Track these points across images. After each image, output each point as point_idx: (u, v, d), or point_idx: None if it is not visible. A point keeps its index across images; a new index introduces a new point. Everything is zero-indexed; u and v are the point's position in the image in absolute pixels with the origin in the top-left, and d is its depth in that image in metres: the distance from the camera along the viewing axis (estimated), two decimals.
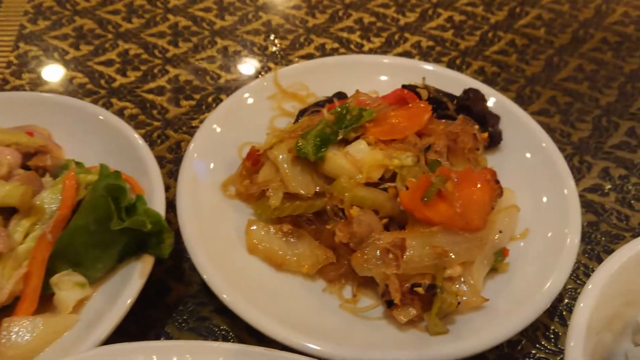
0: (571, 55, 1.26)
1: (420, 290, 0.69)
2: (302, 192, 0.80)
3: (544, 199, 0.86)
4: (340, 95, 0.98)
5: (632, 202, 0.96)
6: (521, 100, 1.14)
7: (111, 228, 0.69)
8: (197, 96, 1.14)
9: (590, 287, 0.56)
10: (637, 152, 1.05)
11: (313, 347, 0.66)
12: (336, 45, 1.28)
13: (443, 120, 0.89)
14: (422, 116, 0.87)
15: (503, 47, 1.29)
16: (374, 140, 0.83)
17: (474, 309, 0.73)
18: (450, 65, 1.24)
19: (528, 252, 0.81)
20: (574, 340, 0.52)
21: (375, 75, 1.05)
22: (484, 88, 0.99)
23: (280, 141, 0.85)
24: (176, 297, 0.82)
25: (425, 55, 1.26)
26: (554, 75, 1.21)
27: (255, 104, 0.99)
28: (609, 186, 0.98)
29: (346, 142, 0.84)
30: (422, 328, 0.71)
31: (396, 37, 1.31)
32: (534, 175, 0.90)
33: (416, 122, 0.86)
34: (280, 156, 0.82)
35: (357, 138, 0.84)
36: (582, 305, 0.55)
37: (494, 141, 0.93)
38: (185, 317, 0.79)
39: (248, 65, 1.22)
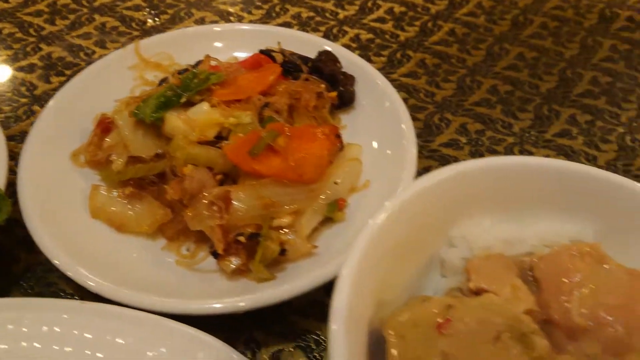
0: (512, 43, 1.25)
1: (242, 239, 0.72)
2: (143, 155, 0.82)
3: (388, 152, 0.90)
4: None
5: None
6: (462, 91, 1.13)
7: None
8: (69, 72, 1.13)
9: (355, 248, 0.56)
10: (577, 139, 1.04)
11: (140, 300, 0.68)
12: None
13: (292, 81, 0.91)
14: (268, 77, 0.89)
15: (443, 37, 1.27)
16: (217, 102, 0.85)
17: (304, 256, 0.76)
18: (391, 59, 1.21)
19: (369, 202, 0.84)
20: (335, 324, 0.50)
21: (239, 43, 1.06)
22: (341, 51, 1.02)
23: (125, 107, 0.86)
24: (25, 266, 0.82)
25: (364, 49, 1.23)
26: (494, 65, 1.19)
27: (115, 75, 1.00)
28: None
29: (193, 105, 0.85)
30: (252, 277, 0.74)
31: (335, 30, 1.28)
32: (383, 132, 0.93)
33: (260, 82, 0.88)
34: (121, 121, 0.83)
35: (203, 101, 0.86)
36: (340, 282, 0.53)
37: (346, 100, 0.96)
38: (31, 284, 0.80)
39: (127, 42, 1.22)
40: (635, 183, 0.64)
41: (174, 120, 0.80)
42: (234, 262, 0.72)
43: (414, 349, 0.53)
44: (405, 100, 0.97)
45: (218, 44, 1.05)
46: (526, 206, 0.67)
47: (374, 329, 0.57)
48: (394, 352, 0.53)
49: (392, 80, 1.00)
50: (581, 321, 0.56)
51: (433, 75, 1.16)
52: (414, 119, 0.93)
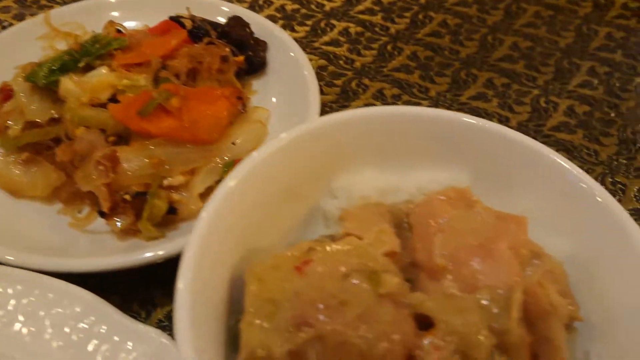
0: (505, 33, 1.20)
1: (127, 197, 0.72)
2: (38, 119, 0.81)
3: (295, 119, 0.89)
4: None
5: None
6: (457, 85, 1.08)
7: None
8: None
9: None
10: (577, 132, 1.01)
11: (23, 260, 0.68)
12: None
13: (195, 45, 0.91)
14: (170, 42, 0.89)
15: (435, 29, 1.21)
16: (117, 66, 0.84)
17: (196, 215, 0.75)
18: (381, 51, 1.15)
19: None
20: (181, 282, 0.50)
21: (151, 11, 1.05)
22: (251, 15, 1.01)
23: (23, 73, 0.85)
24: None
25: (353, 42, 1.17)
26: (489, 56, 1.15)
27: (25, 45, 0.98)
28: None
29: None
30: (142, 236, 0.74)
31: (322, 24, 1.21)
32: (293, 99, 0.93)
33: (162, 47, 0.88)
34: (17, 86, 0.82)
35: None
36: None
37: (256, 66, 0.96)
38: None
39: None
40: (506, 128, 0.65)
41: (67, 83, 0.79)
42: (120, 221, 0.72)
43: (270, 290, 0.53)
44: (398, 96, 0.98)
45: (130, 13, 1.04)
46: (404, 156, 0.68)
47: (239, 278, 0.58)
48: (249, 295, 0.53)
49: (384, 76, 0.98)
50: (441, 262, 0.56)
51: (426, 69, 1.11)
52: None
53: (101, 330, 0.59)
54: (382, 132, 0.67)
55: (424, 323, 0.52)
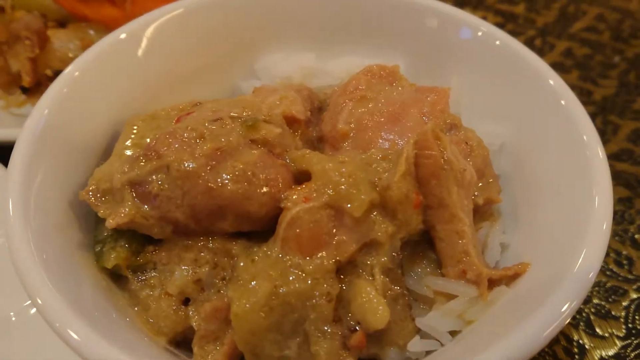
0: (590, 4, 1.04)
1: (49, 72, 0.68)
2: None
3: None
4: None
5: None
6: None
7: None
8: None
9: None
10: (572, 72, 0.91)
11: None
12: None
13: None
14: None
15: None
16: None
17: None
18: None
19: None
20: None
21: None
22: None
23: None
24: None
25: None
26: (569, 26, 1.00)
27: None
28: None
29: None
30: None
31: None
32: None
33: None
34: None
35: None
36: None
37: None
38: None
39: None
40: (441, 3, 0.57)
41: None
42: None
43: (142, 136, 0.47)
44: None
45: None
46: (336, 40, 0.61)
47: None
48: (119, 141, 0.48)
49: None
50: (343, 128, 0.50)
51: None
52: None
53: None
54: (311, 10, 0.61)
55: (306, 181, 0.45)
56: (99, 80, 0.51)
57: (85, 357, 0.33)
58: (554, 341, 0.58)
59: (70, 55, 0.70)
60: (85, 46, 0.71)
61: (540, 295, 0.38)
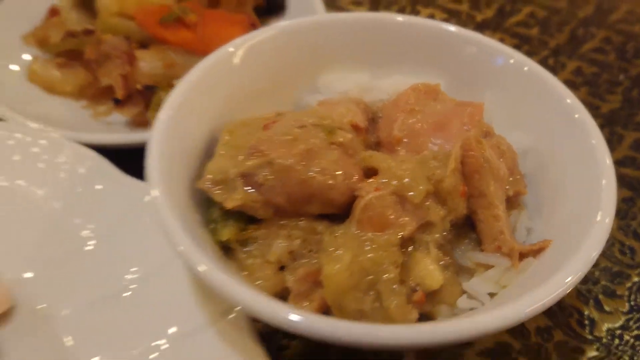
0: (598, 28, 1.17)
1: (139, 86, 0.81)
2: (76, 28, 0.92)
3: None
4: None
5: None
6: None
7: None
8: None
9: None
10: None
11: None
12: None
13: None
14: None
15: (523, 19, 1.19)
16: None
17: None
18: None
19: None
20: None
21: None
22: None
23: None
24: None
25: None
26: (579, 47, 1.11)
27: None
28: None
29: None
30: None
31: (407, 9, 1.24)
32: None
33: None
34: (61, 2, 0.94)
35: None
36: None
37: (272, 6, 1.04)
38: None
39: None
40: (479, 34, 0.70)
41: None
42: (132, 109, 0.81)
43: (238, 139, 0.59)
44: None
45: None
46: (385, 61, 0.74)
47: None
48: (220, 142, 0.60)
49: None
50: (398, 134, 0.62)
51: None
52: None
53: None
54: (362, 37, 0.73)
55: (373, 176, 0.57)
56: (203, 92, 0.63)
57: (228, 297, 0.45)
58: (569, 314, 0.69)
59: (156, 72, 0.83)
60: (166, 65, 0.83)
61: (558, 263, 0.50)
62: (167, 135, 0.58)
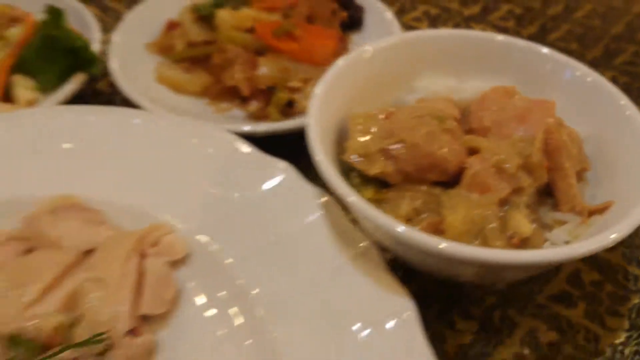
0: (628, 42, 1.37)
1: (262, 86, 0.99)
2: (197, 39, 1.11)
3: None
4: None
5: None
6: None
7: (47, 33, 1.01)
8: None
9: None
10: None
11: None
12: None
13: None
14: None
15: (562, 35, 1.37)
16: (259, 8, 1.14)
17: (306, 109, 1.02)
18: None
19: None
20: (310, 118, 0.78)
21: None
22: None
23: (189, 9, 1.16)
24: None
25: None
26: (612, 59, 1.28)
27: None
28: None
29: None
30: (269, 120, 1.01)
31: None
32: None
33: None
34: (184, 16, 1.14)
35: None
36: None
37: (354, 23, 1.23)
38: None
39: None
40: (544, 47, 0.88)
41: (222, 14, 1.09)
42: (254, 104, 1.00)
43: (369, 127, 0.77)
44: None
45: None
46: (468, 68, 0.92)
47: (343, 127, 0.83)
48: (353, 129, 0.78)
49: None
50: (487, 124, 0.80)
51: None
52: None
53: None
54: (449, 49, 0.92)
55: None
56: (339, 87, 0.82)
57: (373, 220, 0.63)
58: (616, 272, 0.87)
59: (273, 75, 1.02)
60: (280, 70, 1.02)
61: (618, 218, 0.67)
62: (319, 116, 0.76)
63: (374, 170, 0.72)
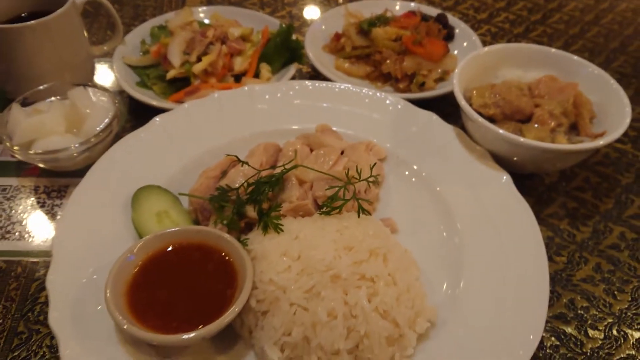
0: (621, 54, 2.12)
1: (408, 72, 1.73)
2: (359, 44, 1.84)
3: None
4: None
5: None
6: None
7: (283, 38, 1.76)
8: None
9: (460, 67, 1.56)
10: None
11: None
12: None
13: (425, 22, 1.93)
14: (415, 19, 1.91)
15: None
16: (395, 26, 1.87)
17: (432, 86, 1.75)
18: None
19: None
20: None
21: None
22: (450, 17, 2.03)
23: (352, 25, 1.89)
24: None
25: None
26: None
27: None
28: None
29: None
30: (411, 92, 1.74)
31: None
32: (462, 53, 1.92)
33: (412, 21, 1.90)
34: (349, 29, 1.88)
35: None
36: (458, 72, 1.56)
37: (449, 36, 1.96)
38: None
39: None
40: (572, 54, 1.61)
41: (377, 30, 1.83)
42: (403, 83, 1.73)
43: (483, 92, 1.50)
44: None
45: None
46: (528, 65, 1.64)
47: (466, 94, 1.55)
48: (477, 94, 1.51)
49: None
50: (543, 93, 1.53)
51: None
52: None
53: None
54: (522, 55, 1.64)
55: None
56: (464, 70, 1.54)
57: None
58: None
59: (413, 67, 1.75)
60: (416, 64, 1.75)
61: (607, 137, 1.40)
62: (458, 84, 1.50)
63: (488, 112, 1.45)
